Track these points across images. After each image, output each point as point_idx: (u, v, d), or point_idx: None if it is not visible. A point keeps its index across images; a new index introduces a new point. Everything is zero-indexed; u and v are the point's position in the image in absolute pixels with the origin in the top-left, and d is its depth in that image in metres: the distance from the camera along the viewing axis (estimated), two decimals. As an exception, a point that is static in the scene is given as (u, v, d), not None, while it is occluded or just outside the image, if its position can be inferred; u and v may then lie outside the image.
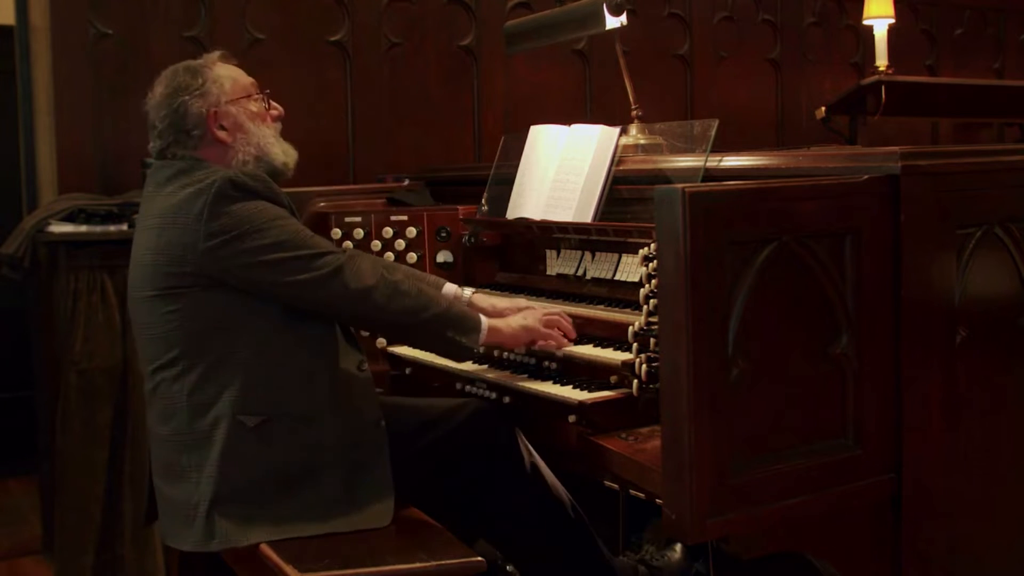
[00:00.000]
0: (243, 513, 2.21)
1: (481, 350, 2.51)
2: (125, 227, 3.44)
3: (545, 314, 2.55)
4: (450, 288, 2.71)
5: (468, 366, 2.69)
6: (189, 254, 2.20)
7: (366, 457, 2.31)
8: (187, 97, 2.36)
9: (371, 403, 2.36)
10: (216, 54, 2.47)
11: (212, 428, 2.23)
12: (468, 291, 2.72)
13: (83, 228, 3.41)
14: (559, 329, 2.54)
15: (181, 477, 2.26)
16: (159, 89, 2.40)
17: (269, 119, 2.46)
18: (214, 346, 2.24)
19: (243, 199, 2.22)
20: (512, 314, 2.58)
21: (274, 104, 2.50)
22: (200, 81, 2.38)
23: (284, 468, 2.24)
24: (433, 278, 2.75)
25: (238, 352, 2.24)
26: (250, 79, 2.47)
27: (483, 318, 2.45)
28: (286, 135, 2.51)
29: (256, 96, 2.45)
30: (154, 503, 2.42)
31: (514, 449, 2.50)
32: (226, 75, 2.42)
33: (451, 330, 2.38)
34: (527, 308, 2.60)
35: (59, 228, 3.40)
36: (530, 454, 2.53)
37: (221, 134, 2.37)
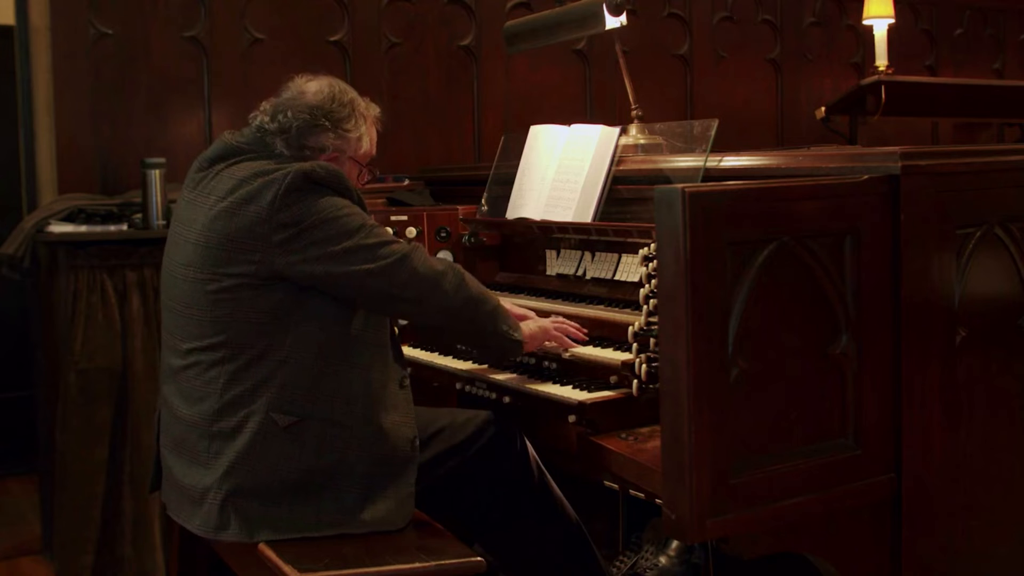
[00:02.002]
0: (259, 511, 2.19)
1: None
2: (125, 227, 3.45)
3: (553, 321, 2.58)
4: None
5: (468, 365, 2.69)
6: (260, 245, 2.17)
7: (394, 472, 2.26)
8: (330, 125, 2.34)
9: (408, 419, 2.32)
10: (377, 111, 2.48)
11: (242, 422, 2.19)
12: None
13: (83, 228, 3.41)
14: (568, 332, 2.56)
15: (195, 460, 2.24)
16: (319, 92, 2.36)
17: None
18: (261, 341, 2.20)
19: (314, 191, 2.20)
20: None
21: (365, 179, 2.50)
22: (351, 125, 2.37)
23: (308, 471, 2.21)
24: None
25: (283, 351, 2.20)
26: (374, 151, 2.48)
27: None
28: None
29: (364, 167, 2.46)
30: (159, 471, 2.41)
31: (525, 463, 2.50)
32: (369, 138, 2.43)
33: (506, 326, 2.40)
34: (526, 315, 2.62)
35: (59, 228, 3.40)
36: (539, 469, 2.53)
37: None
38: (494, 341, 2.44)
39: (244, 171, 2.25)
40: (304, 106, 2.34)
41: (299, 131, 2.32)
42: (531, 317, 2.60)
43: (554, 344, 2.55)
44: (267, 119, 2.34)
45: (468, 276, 2.37)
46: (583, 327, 2.60)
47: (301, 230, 2.17)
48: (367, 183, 2.51)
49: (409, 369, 2.87)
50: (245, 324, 2.20)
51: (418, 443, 2.31)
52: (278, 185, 2.18)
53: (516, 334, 2.42)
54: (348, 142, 2.37)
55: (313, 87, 2.38)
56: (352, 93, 2.42)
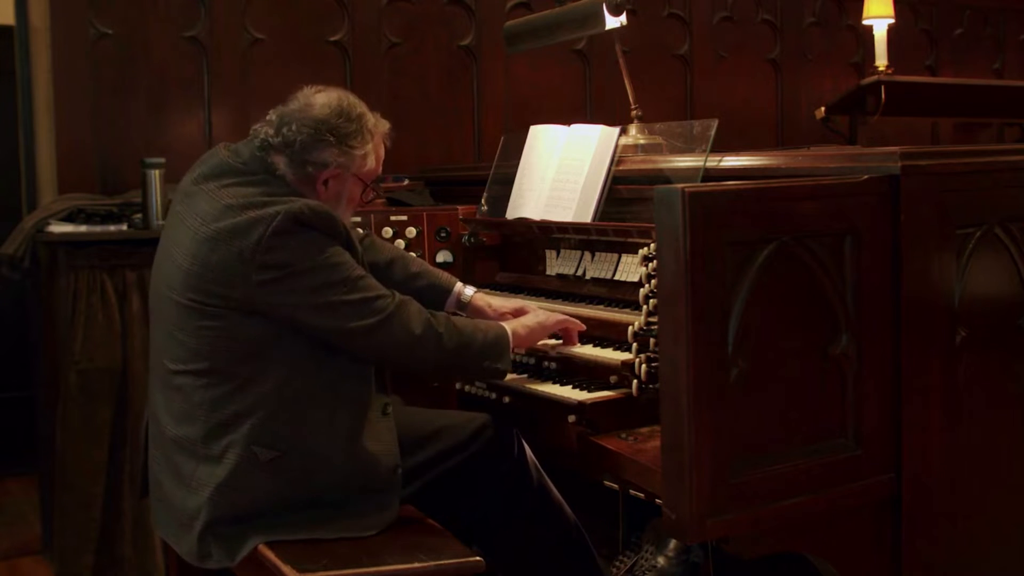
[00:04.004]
0: (236, 533, 2.19)
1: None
2: (125, 227, 3.45)
3: (558, 321, 2.56)
4: (458, 287, 2.71)
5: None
6: (239, 281, 2.14)
7: (374, 500, 2.26)
8: (335, 140, 2.27)
9: (390, 448, 2.30)
10: (387, 127, 2.41)
11: (224, 452, 2.19)
12: (469, 291, 2.72)
13: (83, 228, 3.41)
14: (568, 324, 2.56)
15: (181, 481, 2.24)
16: (327, 105, 2.30)
17: (355, 204, 2.41)
18: (244, 371, 2.18)
19: (302, 233, 2.15)
20: (510, 314, 2.62)
21: (368, 198, 2.44)
22: (358, 141, 2.31)
23: (286, 498, 2.21)
24: (445, 276, 2.75)
25: (267, 381, 2.18)
26: (379, 169, 2.43)
27: (506, 328, 2.43)
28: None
29: (369, 185, 2.40)
30: (147, 479, 2.41)
31: (523, 465, 2.50)
32: (376, 156, 2.38)
33: (488, 360, 2.37)
34: (526, 307, 2.62)
35: (59, 228, 3.40)
36: (538, 471, 2.53)
37: (320, 187, 2.30)
38: (479, 376, 2.56)
39: (233, 197, 2.20)
40: (310, 120, 2.28)
41: (303, 146, 2.26)
42: (531, 310, 2.60)
43: (555, 343, 2.54)
44: (271, 131, 2.28)
45: (447, 328, 2.31)
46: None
47: (285, 275, 2.15)
48: (370, 201, 2.47)
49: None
50: (227, 354, 2.18)
51: (400, 472, 2.29)
52: (265, 226, 2.13)
53: (501, 364, 2.39)
54: (352, 159, 2.31)
55: (321, 99, 2.31)
56: (361, 108, 2.35)
